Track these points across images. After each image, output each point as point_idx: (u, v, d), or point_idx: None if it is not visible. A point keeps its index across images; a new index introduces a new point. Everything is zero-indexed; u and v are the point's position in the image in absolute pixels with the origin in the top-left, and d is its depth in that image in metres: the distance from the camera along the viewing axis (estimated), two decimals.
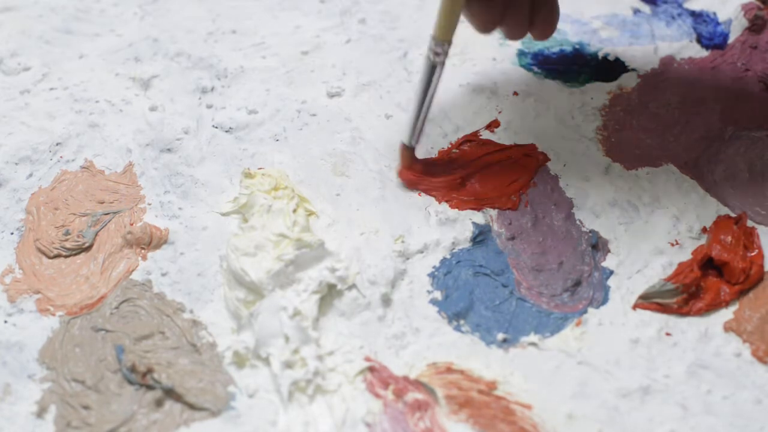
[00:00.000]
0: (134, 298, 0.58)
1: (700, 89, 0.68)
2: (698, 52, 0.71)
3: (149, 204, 0.62)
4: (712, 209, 0.61)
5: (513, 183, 0.63)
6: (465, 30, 0.73)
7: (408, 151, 0.63)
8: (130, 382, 0.54)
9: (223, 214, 0.62)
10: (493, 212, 0.62)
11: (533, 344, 0.56)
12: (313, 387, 0.53)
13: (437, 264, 0.59)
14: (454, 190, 0.62)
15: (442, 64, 0.59)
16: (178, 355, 0.55)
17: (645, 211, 0.62)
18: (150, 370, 0.54)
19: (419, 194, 0.63)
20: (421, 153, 0.64)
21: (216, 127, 0.67)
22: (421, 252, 0.60)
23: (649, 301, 0.57)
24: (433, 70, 0.60)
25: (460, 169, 0.63)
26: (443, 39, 0.59)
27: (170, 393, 0.53)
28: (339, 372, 0.54)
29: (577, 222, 0.61)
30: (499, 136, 0.66)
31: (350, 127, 0.67)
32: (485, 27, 0.60)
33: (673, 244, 0.60)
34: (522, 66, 0.71)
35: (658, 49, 0.71)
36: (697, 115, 0.66)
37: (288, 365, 0.54)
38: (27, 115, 0.68)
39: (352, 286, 0.58)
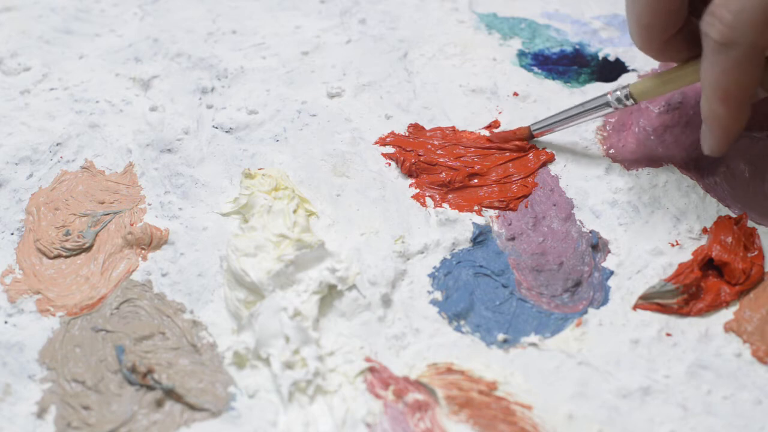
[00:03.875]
0: (134, 299, 0.58)
1: (701, 89, 0.68)
2: None
3: (149, 204, 0.62)
4: (712, 209, 0.61)
5: (513, 183, 0.63)
6: (465, 30, 0.74)
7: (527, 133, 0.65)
8: (131, 383, 0.54)
9: (224, 215, 0.62)
10: (493, 212, 0.62)
11: (533, 345, 0.56)
12: (314, 387, 0.53)
13: (437, 264, 0.59)
14: (454, 190, 0.62)
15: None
16: (179, 356, 0.55)
17: (645, 211, 0.61)
18: (150, 371, 0.54)
19: (420, 193, 0.63)
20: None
21: (216, 128, 0.67)
22: (422, 252, 0.60)
23: (649, 301, 0.57)
24: (603, 108, 0.62)
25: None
26: (637, 99, 0.61)
27: (170, 393, 0.53)
28: (339, 372, 0.54)
29: (577, 222, 0.61)
30: None
31: (350, 127, 0.67)
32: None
33: (673, 245, 0.60)
34: (522, 66, 0.71)
35: None
36: (697, 116, 0.66)
37: (288, 366, 0.54)
38: (27, 115, 0.68)
39: (353, 287, 0.58)
